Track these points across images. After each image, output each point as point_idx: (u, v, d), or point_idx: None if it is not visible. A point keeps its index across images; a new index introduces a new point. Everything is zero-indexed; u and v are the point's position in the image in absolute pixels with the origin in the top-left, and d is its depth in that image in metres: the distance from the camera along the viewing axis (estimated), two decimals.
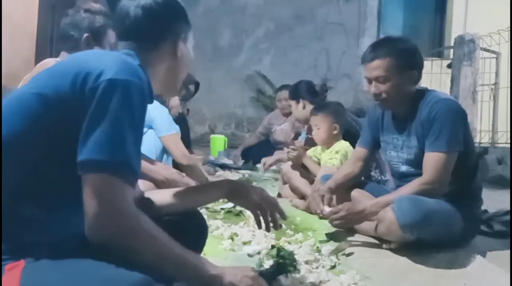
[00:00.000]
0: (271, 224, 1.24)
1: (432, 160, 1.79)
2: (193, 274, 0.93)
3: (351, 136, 2.69)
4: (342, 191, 2.15)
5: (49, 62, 1.82)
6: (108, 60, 0.92)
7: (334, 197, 2.12)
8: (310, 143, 3.01)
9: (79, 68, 0.90)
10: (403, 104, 1.94)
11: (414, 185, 1.81)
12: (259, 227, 1.24)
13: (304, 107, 3.30)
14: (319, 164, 2.77)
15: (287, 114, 4.35)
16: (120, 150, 0.85)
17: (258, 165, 3.99)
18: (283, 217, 1.29)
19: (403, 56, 1.87)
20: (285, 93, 4.14)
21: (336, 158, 2.65)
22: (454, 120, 1.81)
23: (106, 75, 0.87)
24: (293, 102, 3.41)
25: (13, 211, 0.87)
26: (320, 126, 2.75)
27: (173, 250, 0.90)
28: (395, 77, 1.86)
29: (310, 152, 2.87)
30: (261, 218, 1.22)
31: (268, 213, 1.22)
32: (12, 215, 0.87)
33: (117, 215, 0.84)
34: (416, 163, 1.90)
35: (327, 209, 1.97)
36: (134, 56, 1.04)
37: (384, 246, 1.84)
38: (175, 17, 1.11)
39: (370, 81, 1.92)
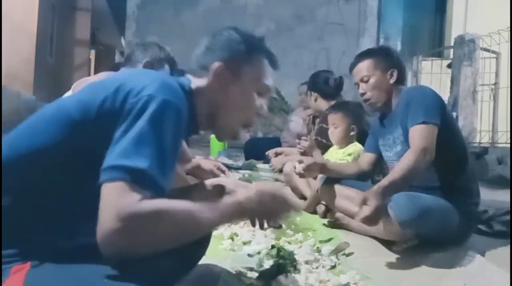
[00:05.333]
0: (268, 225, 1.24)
1: (414, 132, 1.84)
2: (219, 221, 0.90)
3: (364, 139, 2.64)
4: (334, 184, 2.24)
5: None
6: (149, 78, 0.92)
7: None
8: (322, 132, 2.92)
9: (121, 83, 0.90)
10: (386, 103, 2.07)
11: (403, 158, 1.80)
12: (253, 225, 1.24)
13: (315, 100, 3.25)
14: None
15: (306, 107, 4.26)
16: (146, 159, 0.81)
17: (258, 165, 3.99)
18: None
19: (382, 57, 2.08)
20: (304, 88, 4.06)
21: (347, 160, 2.58)
22: (427, 98, 1.91)
23: (147, 91, 0.87)
24: (308, 93, 3.36)
25: (28, 216, 0.87)
26: (338, 125, 2.67)
27: (195, 219, 0.85)
28: (376, 75, 2.05)
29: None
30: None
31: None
32: (26, 220, 0.87)
33: (130, 222, 0.77)
34: (404, 151, 1.92)
35: (299, 167, 2.17)
36: (186, 79, 1.06)
37: (394, 248, 1.84)
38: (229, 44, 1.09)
39: (358, 85, 2.11)
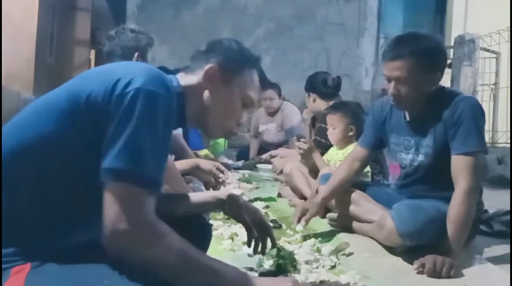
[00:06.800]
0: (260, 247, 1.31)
1: (464, 163, 1.67)
2: None
3: None
4: (340, 192, 2.13)
5: None
6: (138, 69, 0.92)
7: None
8: (321, 132, 2.93)
9: (110, 75, 0.91)
10: (420, 105, 1.82)
11: (455, 204, 1.65)
12: (249, 246, 1.30)
13: (314, 101, 3.24)
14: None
15: (272, 113, 4.40)
16: (141, 160, 0.84)
17: (258, 165, 3.98)
18: (273, 244, 1.34)
19: (427, 57, 1.72)
20: (270, 93, 4.22)
21: None
22: (480, 120, 1.73)
23: (134, 84, 0.87)
24: (306, 95, 3.33)
25: (26, 214, 0.87)
26: (336, 126, 2.67)
27: (205, 264, 0.89)
28: (417, 78, 1.72)
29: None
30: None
31: (259, 237, 1.28)
32: (24, 218, 0.87)
33: (135, 225, 0.82)
34: (427, 164, 1.84)
35: (299, 227, 1.97)
36: (174, 76, 1.07)
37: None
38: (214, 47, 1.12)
39: (389, 80, 1.77)
